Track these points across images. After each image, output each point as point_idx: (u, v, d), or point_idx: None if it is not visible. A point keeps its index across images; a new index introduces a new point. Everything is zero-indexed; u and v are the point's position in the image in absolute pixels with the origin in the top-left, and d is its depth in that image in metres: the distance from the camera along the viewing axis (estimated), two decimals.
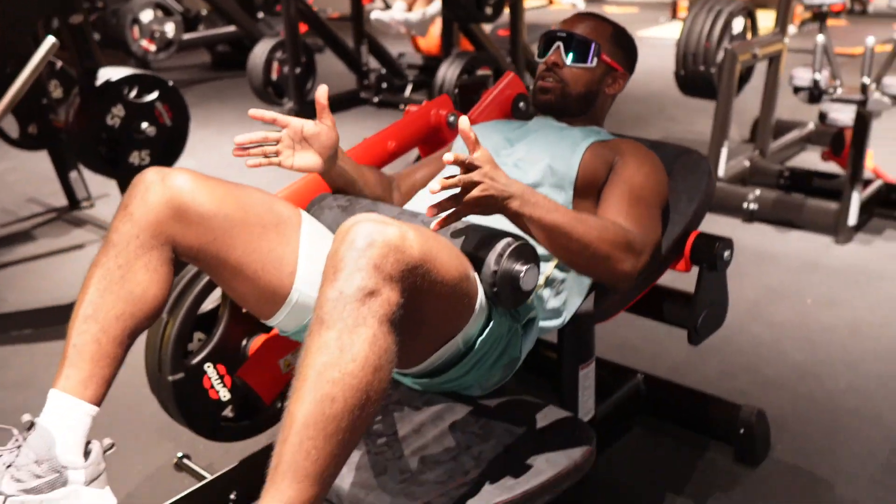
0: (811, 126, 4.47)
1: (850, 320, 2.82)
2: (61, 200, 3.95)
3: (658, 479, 2.06)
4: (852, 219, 3.41)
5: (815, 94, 3.34)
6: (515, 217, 1.41)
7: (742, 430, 2.11)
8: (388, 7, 5.90)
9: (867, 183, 3.58)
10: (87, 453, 1.38)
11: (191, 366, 1.82)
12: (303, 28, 7.18)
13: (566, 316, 1.70)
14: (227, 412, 1.90)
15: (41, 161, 4.07)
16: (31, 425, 1.35)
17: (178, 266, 1.53)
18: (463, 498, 1.51)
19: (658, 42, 7.76)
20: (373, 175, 1.83)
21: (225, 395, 1.86)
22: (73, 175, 3.90)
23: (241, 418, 1.92)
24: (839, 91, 3.37)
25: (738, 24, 3.84)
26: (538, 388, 1.96)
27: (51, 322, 2.87)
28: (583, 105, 1.84)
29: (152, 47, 6.44)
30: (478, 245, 1.41)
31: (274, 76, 5.28)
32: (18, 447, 1.33)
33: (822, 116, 3.46)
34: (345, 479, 1.59)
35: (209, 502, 1.89)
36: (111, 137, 3.23)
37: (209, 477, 1.91)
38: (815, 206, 3.52)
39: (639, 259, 1.54)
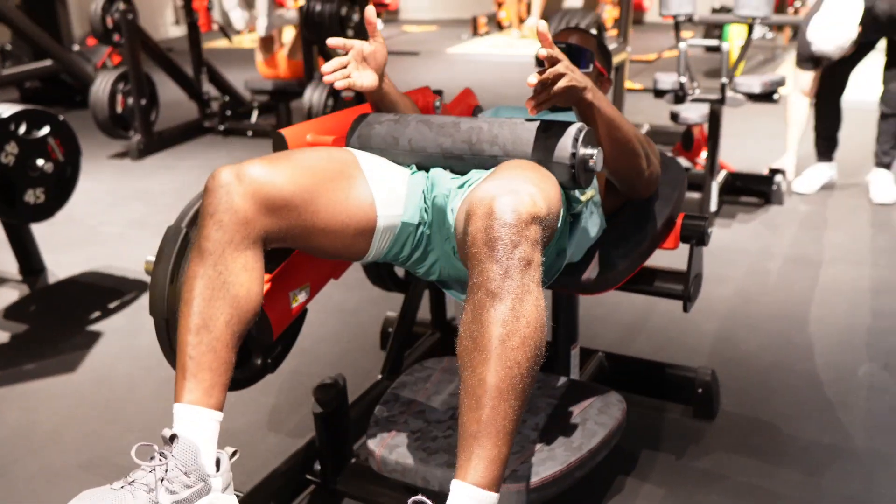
0: (647, 127, 4.98)
1: (740, 291, 3.24)
2: None
3: (634, 441, 2.31)
4: (713, 205, 3.89)
5: (679, 95, 3.78)
6: (588, 106, 1.66)
7: (700, 390, 2.41)
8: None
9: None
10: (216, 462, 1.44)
11: None
12: (115, 59, 6.99)
13: (583, 247, 1.90)
14: None
15: None
16: (173, 438, 1.40)
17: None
18: (541, 462, 1.70)
19: (470, 58, 8.19)
20: (409, 100, 2.03)
21: None
22: None
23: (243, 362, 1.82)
24: (697, 91, 3.84)
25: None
26: None
27: None
28: None
29: None
30: (555, 134, 1.61)
31: (119, 109, 5.14)
32: (165, 460, 1.38)
33: (674, 116, 3.91)
34: (429, 462, 1.73)
35: None
36: (6, 176, 3.11)
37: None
38: None
39: (655, 167, 1.85)
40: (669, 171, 2.11)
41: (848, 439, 2.30)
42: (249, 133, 5.59)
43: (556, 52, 1.56)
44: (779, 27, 7.68)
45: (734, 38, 6.54)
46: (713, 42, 4.08)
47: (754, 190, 4.17)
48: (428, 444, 1.78)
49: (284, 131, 1.84)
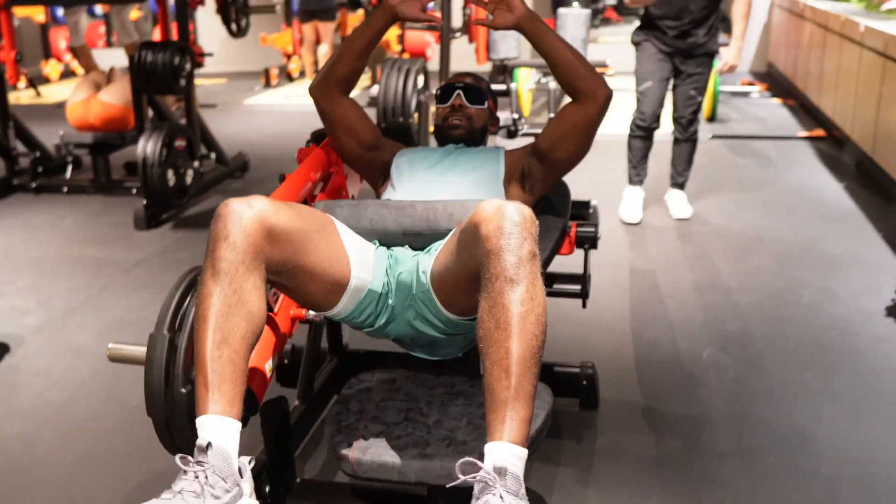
0: None
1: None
2: None
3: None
4: None
5: (511, 130, 4.19)
6: (534, 24, 2.16)
7: (584, 383, 2.75)
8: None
9: None
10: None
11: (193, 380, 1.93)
12: None
13: None
14: None
15: None
16: (208, 446, 1.52)
17: None
18: None
19: (269, 108, 8.33)
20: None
21: None
22: None
23: None
24: (526, 127, 4.27)
25: (420, 80, 4.59)
26: None
27: None
28: (480, 137, 2.41)
29: None
30: None
31: None
32: (204, 467, 1.49)
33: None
34: (402, 457, 1.92)
35: None
36: None
37: None
38: None
39: (603, 81, 2.19)
40: (557, 188, 2.44)
41: (710, 408, 2.73)
42: (65, 189, 5.43)
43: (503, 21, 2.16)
44: None
45: (522, 81, 7.15)
46: (502, 87, 4.55)
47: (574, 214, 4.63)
48: (395, 443, 1.98)
49: None
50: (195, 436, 1.57)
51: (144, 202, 4.63)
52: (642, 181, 4.68)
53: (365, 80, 9.52)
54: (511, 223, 1.58)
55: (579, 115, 2.19)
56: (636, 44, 4.43)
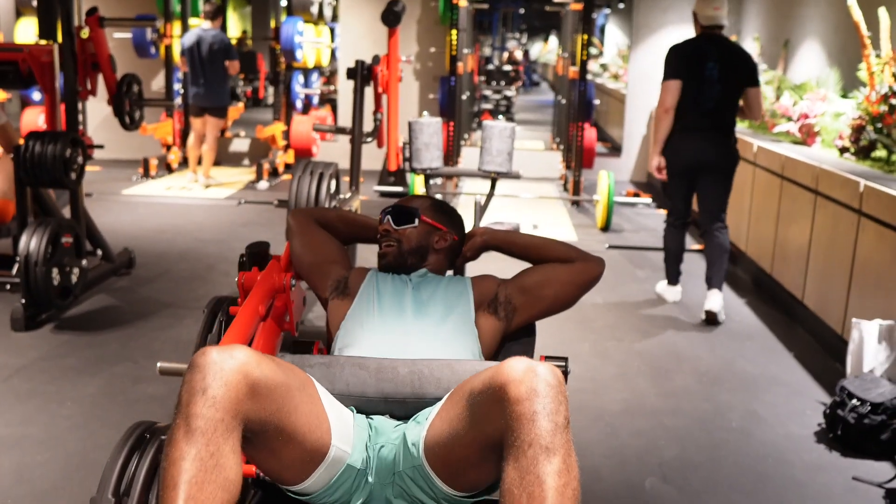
0: None
1: None
2: None
3: None
4: None
5: None
6: (496, 236, 2.38)
7: None
8: None
9: None
10: None
11: None
12: None
13: None
14: None
15: None
16: None
17: None
18: None
19: (150, 200, 7.98)
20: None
21: None
22: None
23: None
24: None
25: (333, 185, 4.45)
26: None
27: None
28: (416, 257, 2.29)
29: None
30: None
31: None
32: None
33: None
34: None
35: None
36: None
37: None
38: None
39: (580, 253, 2.29)
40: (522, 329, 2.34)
41: None
42: None
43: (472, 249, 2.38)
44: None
45: (418, 187, 7.11)
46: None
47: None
48: None
49: None
50: None
51: (23, 301, 4.24)
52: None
53: (249, 173, 9.31)
54: (546, 385, 1.46)
55: (567, 278, 2.26)
56: None
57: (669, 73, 4.78)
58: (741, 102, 4.82)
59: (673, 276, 5.18)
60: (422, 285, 2.21)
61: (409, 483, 1.72)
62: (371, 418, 1.87)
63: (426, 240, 2.32)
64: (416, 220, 2.31)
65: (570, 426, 1.47)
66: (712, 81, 4.70)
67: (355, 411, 1.88)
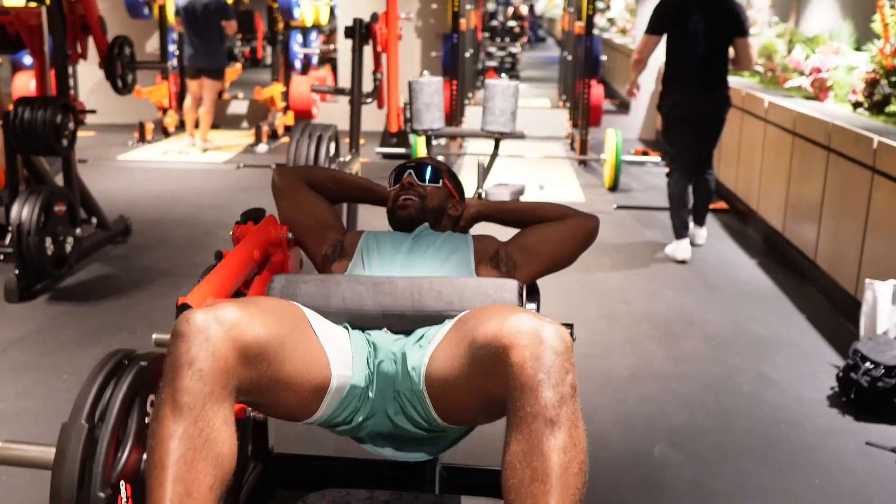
0: None
1: None
2: None
3: None
4: None
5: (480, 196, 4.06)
6: (489, 207, 2.40)
7: None
8: None
9: None
10: None
11: (114, 483, 1.67)
12: None
13: None
14: None
15: None
16: None
17: None
18: None
19: (146, 165, 7.93)
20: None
21: None
22: None
23: None
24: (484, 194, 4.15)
25: (332, 147, 4.40)
26: None
27: None
28: (435, 218, 2.27)
29: None
30: (496, 289, 1.90)
31: None
32: None
33: None
34: None
35: None
36: None
37: None
38: None
39: (573, 212, 2.30)
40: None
41: None
42: None
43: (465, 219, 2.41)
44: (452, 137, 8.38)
45: (421, 148, 7.06)
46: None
47: None
48: None
49: (189, 300, 1.78)
50: None
51: (17, 271, 4.23)
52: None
53: (248, 136, 9.25)
54: (551, 353, 1.40)
55: (564, 233, 2.26)
56: None
57: (649, 28, 5.11)
58: (731, 54, 5.04)
59: (681, 229, 5.25)
60: (421, 237, 2.19)
61: (406, 404, 1.73)
62: (369, 334, 1.85)
63: (444, 203, 2.31)
64: (441, 182, 2.31)
65: (577, 395, 1.43)
66: (697, 35, 4.93)
67: (350, 328, 1.86)
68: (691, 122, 5.13)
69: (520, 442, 1.38)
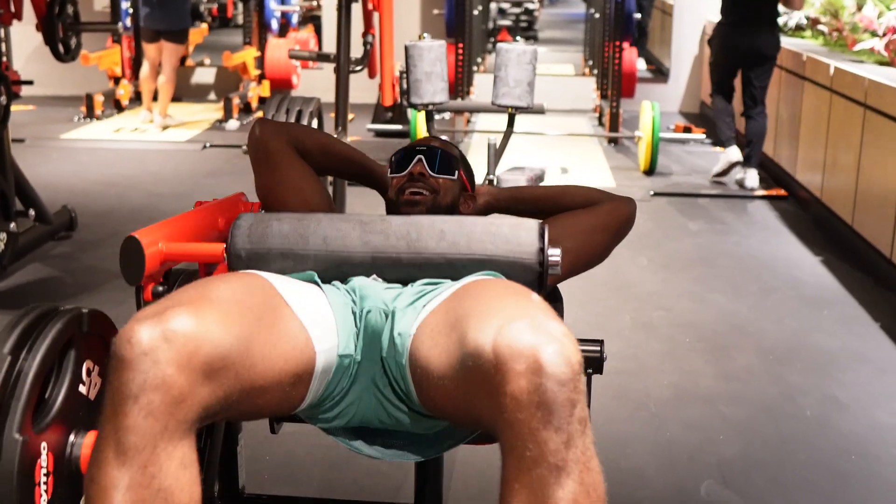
0: None
1: None
2: None
3: None
4: None
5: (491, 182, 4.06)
6: (502, 193, 2.35)
7: None
8: None
9: None
10: None
11: (35, 439, 1.67)
12: None
13: None
14: None
15: None
16: None
17: None
18: None
19: (95, 145, 7.92)
20: None
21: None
22: None
23: None
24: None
25: (315, 124, 4.38)
26: None
27: None
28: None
29: None
30: (513, 229, 1.83)
31: None
32: None
33: None
34: None
35: None
36: None
37: None
38: None
39: (604, 197, 2.25)
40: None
41: None
42: None
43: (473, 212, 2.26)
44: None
45: (420, 125, 7.03)
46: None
47: None
48: None
49: (139, 236, 1.80)
50: None
51: None
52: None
53: (216, 110, 9.23)
54: (554, 383, 1.32)
55: (593, 223, 2.22)
56: None
57: None
58: None
59: (728, 138, 6.63)
60: None
61: (392, 378, 1.71)
62: (352, 282, 1.81)
63: (458, 199, 2.22)
64: (456, 173, 2.21)
65: (588, 428, 1.36)
66: None
67: (322, 284, 1.81)
68: (736, 55, 6.43)
69: (519, 492, 1.32)
